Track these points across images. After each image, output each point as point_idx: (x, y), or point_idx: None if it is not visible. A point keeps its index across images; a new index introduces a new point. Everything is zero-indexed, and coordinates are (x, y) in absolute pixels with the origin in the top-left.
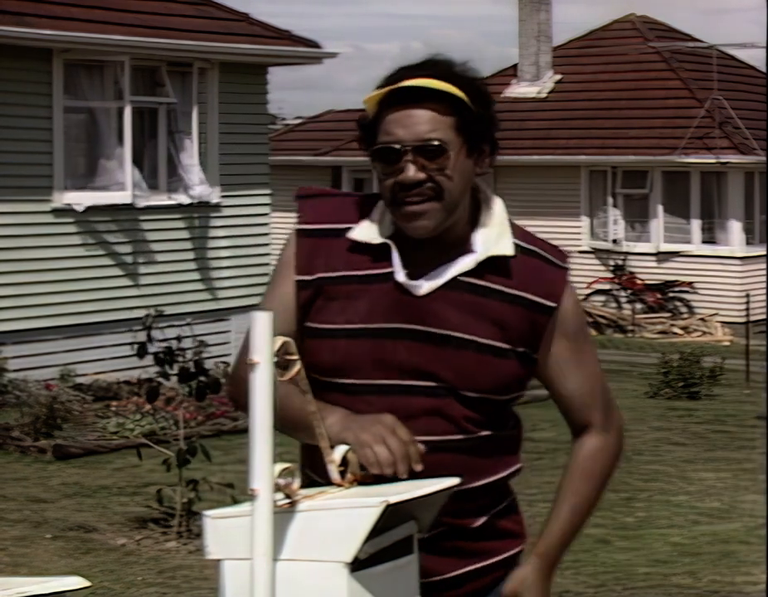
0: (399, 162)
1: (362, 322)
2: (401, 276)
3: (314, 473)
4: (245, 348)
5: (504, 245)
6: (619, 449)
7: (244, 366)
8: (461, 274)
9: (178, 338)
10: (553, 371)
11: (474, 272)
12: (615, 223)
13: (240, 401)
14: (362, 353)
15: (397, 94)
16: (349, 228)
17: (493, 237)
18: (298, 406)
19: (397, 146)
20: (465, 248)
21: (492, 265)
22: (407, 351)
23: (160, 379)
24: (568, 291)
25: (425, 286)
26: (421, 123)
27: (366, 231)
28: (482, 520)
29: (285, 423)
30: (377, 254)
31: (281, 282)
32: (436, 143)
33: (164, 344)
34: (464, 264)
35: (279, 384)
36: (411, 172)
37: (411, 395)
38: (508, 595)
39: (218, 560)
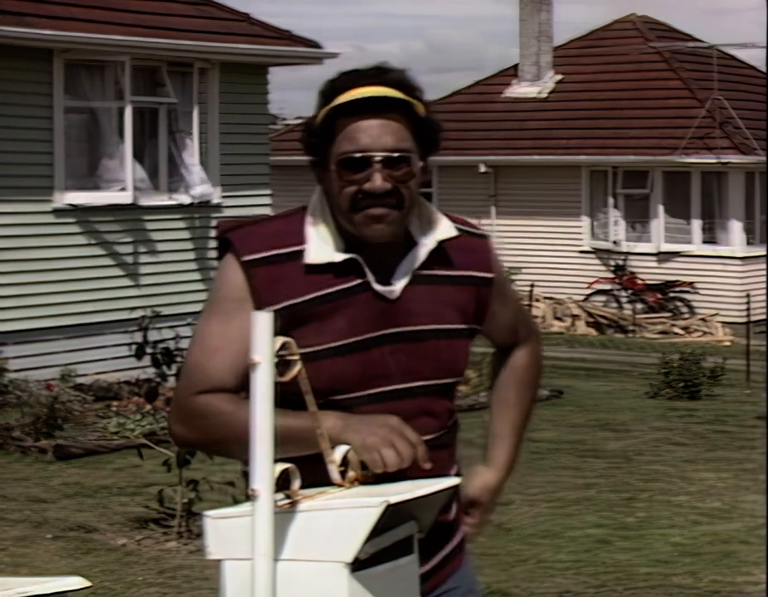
0: (364, 171)
1: (346, 337)
2: (377, 285)
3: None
4: (196, 373)
5: (446, 229)
6: (541, 351)
7: (193, 395)
8: (417, 268)
9: (176, 338)
10: (489, 322)
11: (425, 262)
12: (616, 223)
13: (194, 438)
14: (351, 368)
15: (358, 102)
16: (297, 251)
17: (429, 224)
18: (291, 417)
19: (368, 155)
20: (409, 242)
21: (436, 252)
22: (392, 355)
23: (158, 379)
24: (494, 256)
25: (396, 288)
26: (388, 133)
27: (320, 252)
28: (454, 510)
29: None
30: (339, 270)
31: (236, 314)
32: (405, 154)
33: (162, 345)
34: (418, 257)
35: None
36: (379, 181)
37: (402, 398)
38: (471, 502)
39: (219, 561)
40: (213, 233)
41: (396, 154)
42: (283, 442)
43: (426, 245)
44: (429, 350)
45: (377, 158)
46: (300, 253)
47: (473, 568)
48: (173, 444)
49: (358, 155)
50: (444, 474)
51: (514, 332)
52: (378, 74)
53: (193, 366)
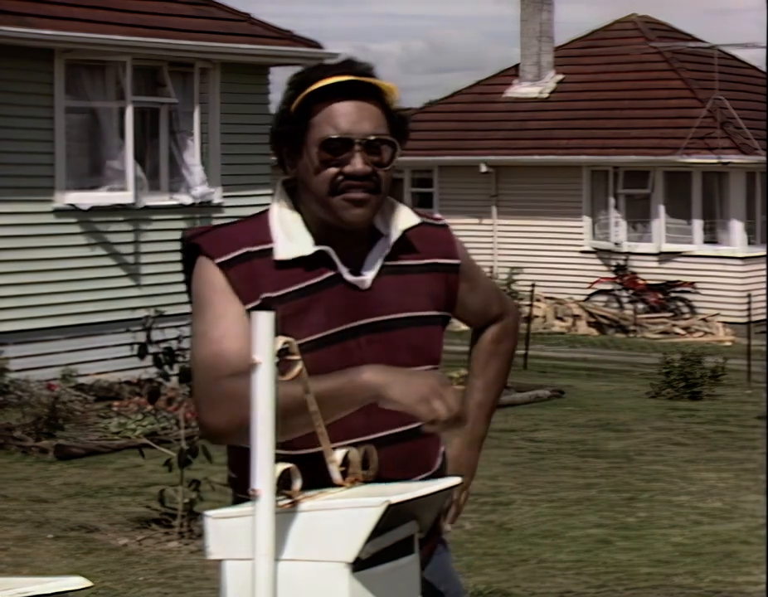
0: (345, 154)
1: (323, 330)
2: (348, 276)
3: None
4: (214, 361)
5: (408, 218)
6: (515, 325)
7: (218, 381)
8: (385, 257)
9: (178, 338)
10: (460, 304)
11: (392, 252)
12: (617, 223)
13: (229, 423)
14: (331, 360)
15: (333, 87)
16: (266, 249)
17: (391, 214)
18: (328, 379)
19: (349, 138)
20: (373, 232)
21: (401, 242)
22: (369, 345)
23: (160, 379)
24: (457, 243)
25: (367, 279)
26: (366, 117)
27: (289, 247)
28: None
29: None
30: (309, 263)
31: (227, 305)
32: (384, 138)
33: (164, 344)
34: (385, 247)
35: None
36: (360, 164)
37: None
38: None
39: (220, 561)
40: (180, 242)
41: (375, 138)
42: (323, 405)
43: (391, 234)
44: (403, 338)
45: (359, 141)
46: (270, 250)
47: (448, 563)
48: (208, 440)
49: (340, 137)
50: (431, 460)
51: (486, 313)
52: (348, 65)
53: (208, 356)
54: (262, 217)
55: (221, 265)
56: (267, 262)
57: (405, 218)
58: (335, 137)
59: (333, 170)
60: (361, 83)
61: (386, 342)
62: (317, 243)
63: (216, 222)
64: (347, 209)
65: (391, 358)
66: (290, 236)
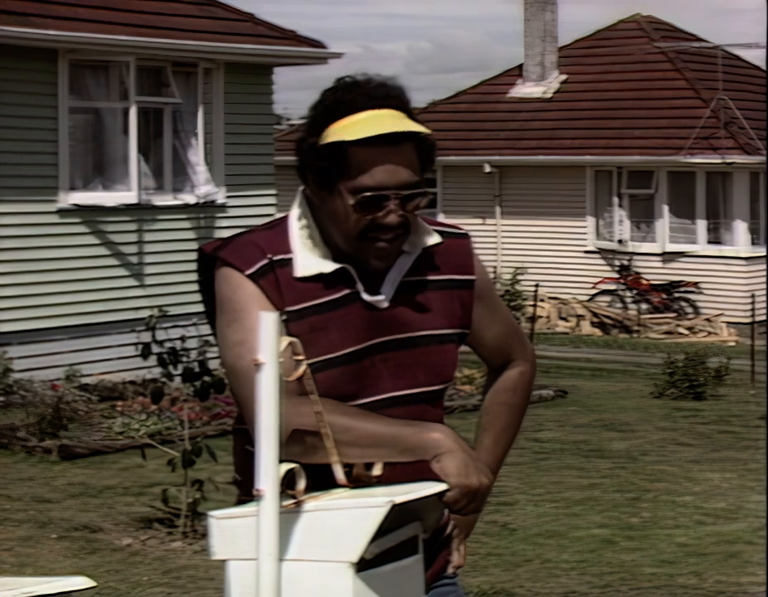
0: (380, 205)
1: (339, 349)
2: (366, 295)
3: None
4: None
5: (429, 237)
6: (533, 374)
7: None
8: (404, 276)
9: (182, 338)
10: (475, 330)
11: (411, 270)
12: (621, 223)
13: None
14: (345, 379)
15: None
16: (285, 259)
17: (415, 234)
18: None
19: (386, 194)
20: None
21: (420, 259)
22: (383, 363)
23: (164, 379)
24: (476, 258)
25: (384, 298)
26: (403, 167)
27: (309, 263)
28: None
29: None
30: (328, 279)
31: (255, 309)
32: (419, 190)
33: (168, 345)
34: (405, 265)
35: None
36: (394, 218)
37: (396, 406)
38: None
39: (224, 561)
40: (196, 257)
41: (413, 192)
42: (381, 446)
43: (411, 252)
44: (419, 356)
45: (395, 196)
46: (289, 261)
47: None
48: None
49: (377, 193)
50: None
51: (503, 350)
52: (384, 97)
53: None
54: (281, 226)
55: (251, 276)
56: (287, 273)
57: (426, 237)
58: (371, 194)
59: (367, 218)
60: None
61: (402, 360)
62: (335, 257)
63: (219, 222)
64: (373, 258)
65: (406, 376)
66: (310, 250)
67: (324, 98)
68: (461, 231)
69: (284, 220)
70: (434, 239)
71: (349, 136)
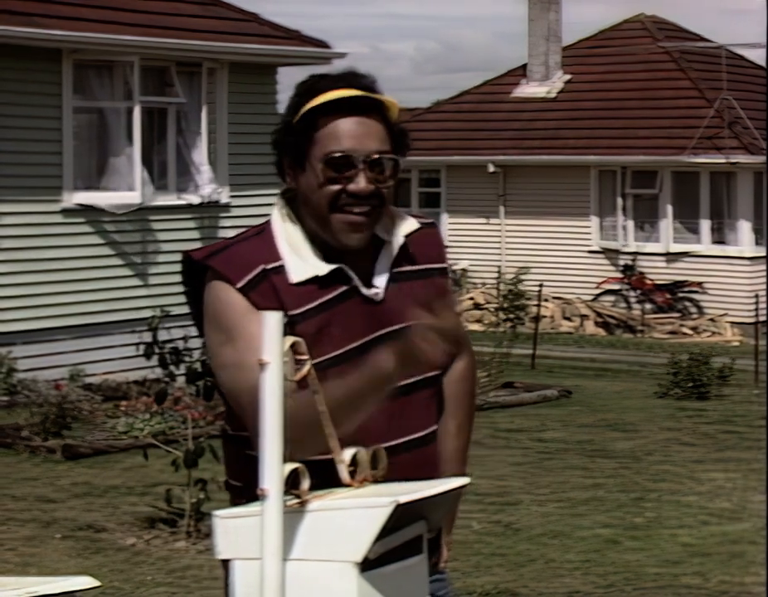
0: (348, 171)
1: (345, 344)
2: (364, 290)
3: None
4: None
5: (408, 224)
6: (475, 364)
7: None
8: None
9: (185, 338)
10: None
11: (396, 259)
12: (625, 223)
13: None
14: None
15: (339, 102)
16: (277, 266)
17: (391, 221)
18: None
19: (354, 156)
20: (376, 240)
21: (402, 248)
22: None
23: (167, 379)
24: (444, 247)
25: (380, 290)
26: (371, 134)
27: (302, 268)
28: None
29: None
30: (323, 280)
31: (255, 328)
32: (388, 157)
33: (171, 345)
34: (389, 255)
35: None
36: (363, 183)
37: (405, 394)
38: None
39: (228, 560)
40: (181, 261)
41: (379, 156)
42: (351, 404)
43: (394, 241)
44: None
45: (363, 160)
46: (282, 267)
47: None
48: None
49: (345, 155)
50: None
51: (458, 340)
52: (352, 77)
53: (255, 387)
54: (266, 233)
55: (242, 290)
56: (283, 279)
57: (405, 224)
58: (339, 155)
59: (336, 187)
60: (365, 98)
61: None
62: (324, 257)
63: (223, 222)
64: (345, 232)
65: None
66: (299, 254)
67: (298, 87)
68: (430, 220)
69: (267, 225)
70: (411, 224)
71: (315, 105)
